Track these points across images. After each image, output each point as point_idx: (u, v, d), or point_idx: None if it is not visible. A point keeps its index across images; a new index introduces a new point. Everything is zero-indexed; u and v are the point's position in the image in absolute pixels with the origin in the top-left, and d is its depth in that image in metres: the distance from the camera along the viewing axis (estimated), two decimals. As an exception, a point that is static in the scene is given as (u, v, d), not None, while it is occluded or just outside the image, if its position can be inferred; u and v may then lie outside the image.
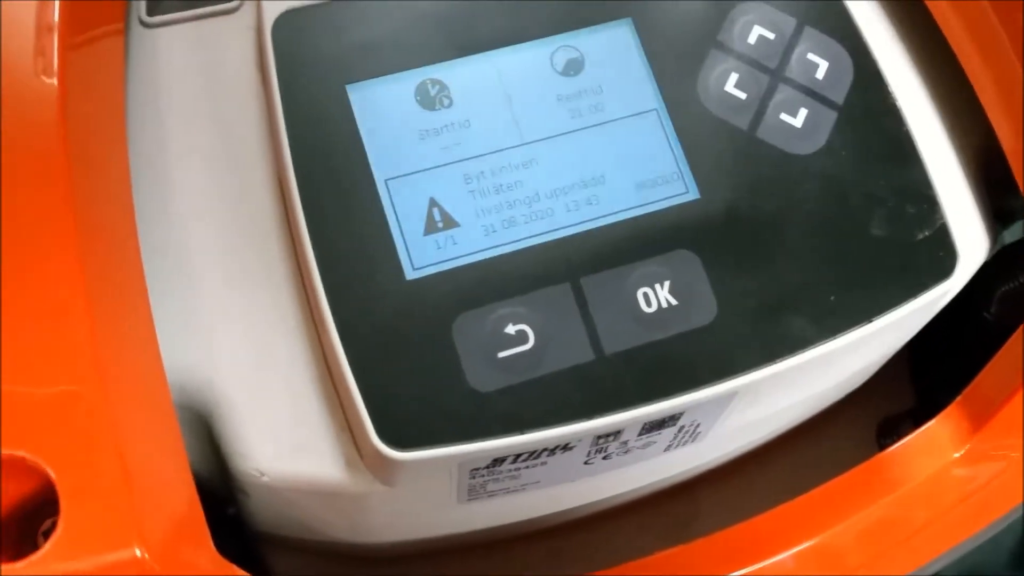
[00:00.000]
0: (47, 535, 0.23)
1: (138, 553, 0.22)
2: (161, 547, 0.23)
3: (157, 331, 0.27)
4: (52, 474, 0.22)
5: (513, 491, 0.30)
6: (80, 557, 0.22)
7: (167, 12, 0.31)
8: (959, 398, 0.35)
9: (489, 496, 0.30)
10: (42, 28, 0.27)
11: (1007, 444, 0.32)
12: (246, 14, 0.31)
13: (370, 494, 0.28)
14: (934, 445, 0.35)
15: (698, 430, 0.30)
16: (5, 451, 0.22)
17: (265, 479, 0.27)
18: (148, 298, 0.27)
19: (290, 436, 0.27)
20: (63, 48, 0.26)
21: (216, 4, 0.31)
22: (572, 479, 0.31)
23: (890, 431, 0.42)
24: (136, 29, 0.31)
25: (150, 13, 0.31)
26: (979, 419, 0.34)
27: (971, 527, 0.35)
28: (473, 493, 0.30)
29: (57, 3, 0.26)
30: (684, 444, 0.31)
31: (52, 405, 0.23)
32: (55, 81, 0.26)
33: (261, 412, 0.27)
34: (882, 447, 0.42)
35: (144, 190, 0.29)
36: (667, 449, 0.31)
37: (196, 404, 0.28)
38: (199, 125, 0.30)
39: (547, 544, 0.39)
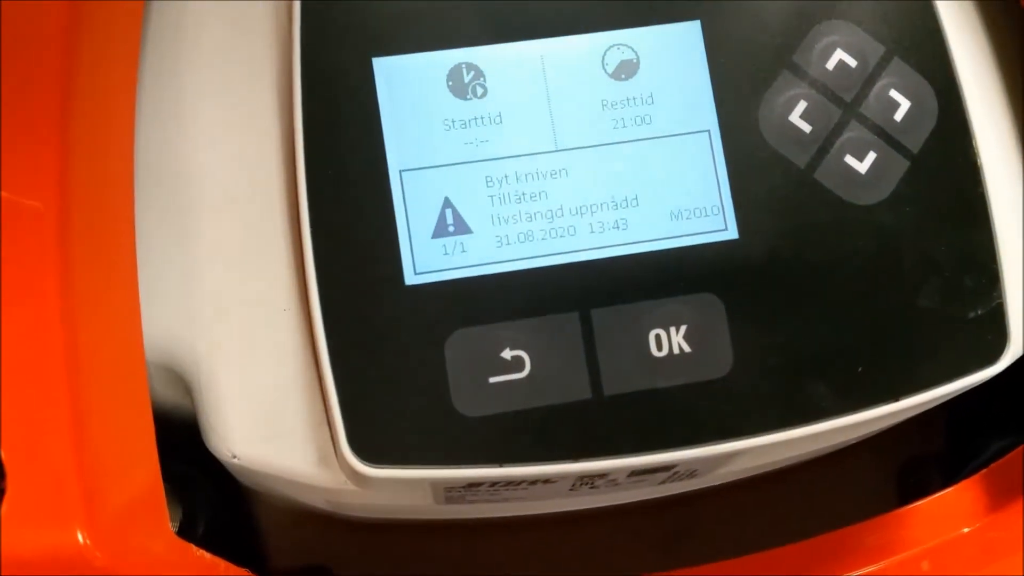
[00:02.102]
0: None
1: (80, 538, 0.22)
2: (109, 532, 0.22)
3: (151, 291, 0.26)
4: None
5: (494, 502, 0.29)
6: (22, 536, 0.22)
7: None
8: (985, 471, 0.32)
9: (469, 503, 0.29)
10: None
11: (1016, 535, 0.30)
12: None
13: (342, 491, 0.27)
14: (949, 512, 0.33)
15: (695, 474, 0.29)
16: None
17: (236, 461, 0.27)
18: (135, 262, 0.26)
19: (267, 423, 0.26)
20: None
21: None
22: (556, 499, 0.30)
23: (913, 472, 0.40)
24: None
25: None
26: (999, 499, 0.32)
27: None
28: (451, 501, 0.29)
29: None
30: (678, 480, 0.30)
31: (5, 375, 0.22)
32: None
33: (242, 394, 0.26)
34: (901, 487, 0.41)
35: (150, 134, 0.27)
36: (660, 483, 0.30)
37: (181, 371, 0.27)
38: (214, 78, 0.28)
39: (537, 535, 0.38)
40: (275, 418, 0.26)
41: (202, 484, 0.33)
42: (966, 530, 0.32)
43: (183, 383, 0.27)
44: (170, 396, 0.28)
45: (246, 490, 0.34)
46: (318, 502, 0.32)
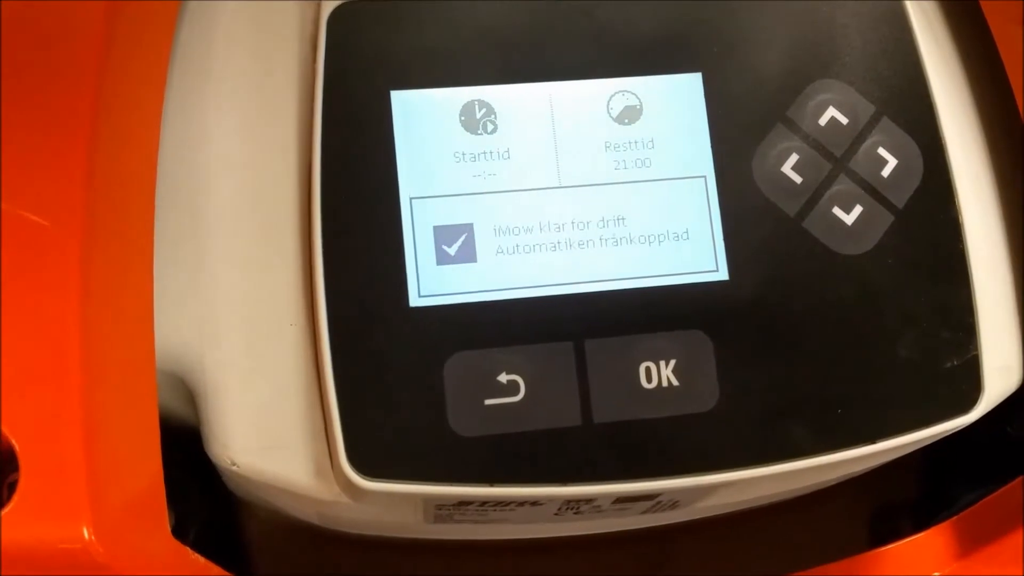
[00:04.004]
0: (12, 488, 0.23)
1: (86, 534, 0.23)
2: (112, 529, 0.23)
3: (163, 298, 0.27)
4: (14, 444, 0.22)
5: (480, 523, 0.30)
6: (30, 528, 0.22)
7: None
8: (956, 518, 0.33)
9: (456, 523, 0.30)
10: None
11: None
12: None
13: (336, 503, 0.28)
14: (919, 556, 0.34)
15: (676, 505, 0.30)
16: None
17: (236, 469, 0.27)
18: (151, 271, 0.27)
19: (268, 433, 0.27)
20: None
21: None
22: (541, 523, 0.31)
23: (885, 518, 0.41)
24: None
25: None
26: (969, 545, 0.33)
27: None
28: (439, 519, 0.30)
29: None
30: (661, 511, 0.31)
31: (22, 371, 0.23)
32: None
33: (245, 403, 0.27)
34: (873, 531, 0.42)
35: (171, 149, 0.28)
36: (643, 513, 0.31)
37: (186, 378, 0.28)
38: (237, 95, 0.29)
39: (519, 561, 0.39)
40: (276, 429, 0.27)
41: (195, 491, 0.34)
42: (936, 575, 0.33)
43: (186, 389, 0.28)
44: (171, 401, 0.29)
45: (237, 500, 0.35)
46: (310, 515, 0.32)
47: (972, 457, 0.37)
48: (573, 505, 0.28)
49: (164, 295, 0.27)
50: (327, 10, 0.28)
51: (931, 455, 0.43)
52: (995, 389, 0.29)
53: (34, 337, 0.23)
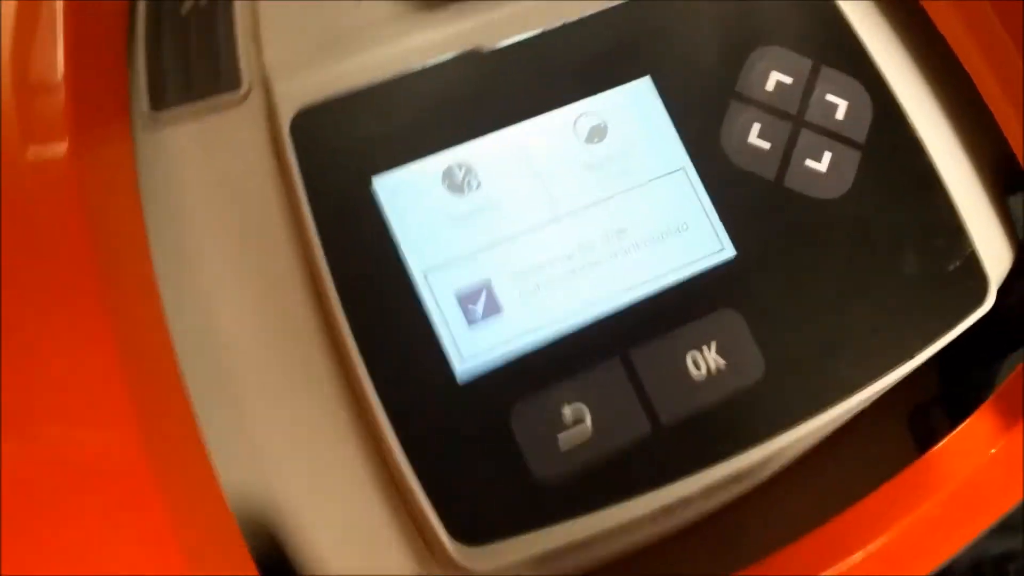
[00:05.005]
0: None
1: None
2: None
3: (217, 452, 0.27)
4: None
5: (579, 556, 0.31)
6: None
7: (171, 105, 0.30)
8: (990, 399, 0.35)
9: (555, 563, 0.31)
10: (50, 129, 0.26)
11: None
12: (253, 103, 0.31)
13: (444, 582, 0.28)
14: (970, 444, 0.36)
15: (750, 475, 0.31)
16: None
17: (338, 584, 0.28)
18: (200, 436, 0.27)
19: (359, 541, 0.28)
20: (74, 155, 0.25)
21: (222, 93, 0.30)
22: (636, 533, 0.31)
23: (921, 418, 0.43)
24: (141, 126, 0.30)
25: (154, 107, 0.30)
26: (1010, 418, 0.35)
27: (1002, 509, 0.36)
28: (541, 567, 0.30)
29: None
30: (737, 483, 0.32)
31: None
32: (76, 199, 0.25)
33: (326, 521, 0.27)
34: (915, 434, 0.43)
35: (171, 304, 0.28)
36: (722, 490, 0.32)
37: (258, 518, 0.28)
38: (220, 227, 0.29)
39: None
40: (365, 534, 0.28)
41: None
42: (992, 451, 0.35)
43: (262, 528, 0.28)
44: (255, 544, 0.29)
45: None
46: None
47: (984, 350, 0.39)
48: (668, 508, 0.29)
49: (214, 447, 0.27)
50: (285, 119, 0.28)
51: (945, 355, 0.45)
52: (996, 274, 0.31)
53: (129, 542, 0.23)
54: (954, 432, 0.35)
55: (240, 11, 0.32)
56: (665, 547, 0.40)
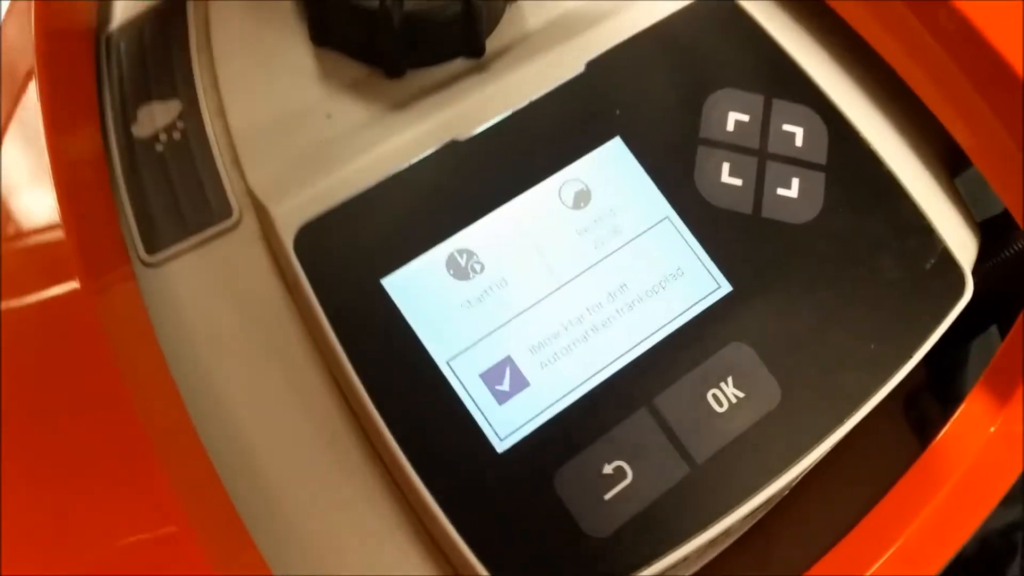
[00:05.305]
0: None
1: None
2: None
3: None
4: None
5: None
6: None
7: (166, 246, 0.31)
8: (980, 380, 0.37)
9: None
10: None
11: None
12: (247, 227, 0.31)
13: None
14: (970, 427, 0.37)
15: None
16: None
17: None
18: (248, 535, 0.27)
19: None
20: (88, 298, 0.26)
21: (214, 225, 0.31)
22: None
23: (914, 407, 0.45)
24: (140, 270, 0.31)
25: (149, 251, 0.31)
26: (1003, 396, 0.37)
27: (1008, 482, 0.38)
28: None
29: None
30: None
31: None
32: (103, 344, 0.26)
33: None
34: (911, 422, 0.45)
35: (203, 429, 0.29)
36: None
37: None
38: (237, 348, 0.30)
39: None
40: None
41: None
42: (992, 429, 0.37)
43: None
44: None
45: None
46: None
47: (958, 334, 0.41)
48: (713, 541, 0.30)
49: (268, 556, 0.27)
50: (288, 238, 0.29)
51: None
52: (967, 262, 0.33)
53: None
54: (953, 418, 0.37)
55: (215, 139, 0.33)
56: (707, 572, 0.41)
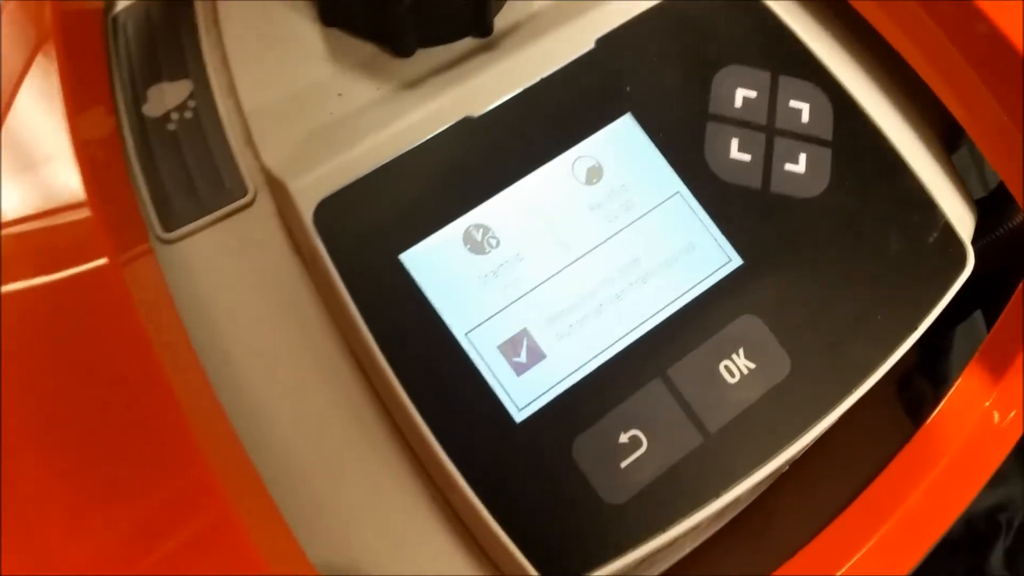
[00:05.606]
0: None
1: None
2: None
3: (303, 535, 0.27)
4: None
5: (644, 570, 0.32)
6: None
7: (182, 223, 0.31)
8: (975, 356, 0.38)
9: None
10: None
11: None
12: (262, 205, 0.32)
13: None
14: (967, 404, 0.38)
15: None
16: None
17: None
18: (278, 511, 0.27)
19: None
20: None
21: (230, 202, 0.32)
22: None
23: (908, 385, 0.46)
24: (157, 246, 0.31)
25: (166, 229, 0.31)
26: (998, 371, 0.37)
27: (1001, 456, 0.39)
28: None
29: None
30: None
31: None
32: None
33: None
34: (904, 403, 0.46)
35: (227, 401, 0.29)
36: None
37: None
38: (256, 322, 0.30)
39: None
40: None
41: None
42: (987, 404, 0.37)
43: None
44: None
45: None
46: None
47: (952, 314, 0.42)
48: (723, 510, 0.31)
49: (295, 528, 0.28)
50: (307, 213, 0.29)
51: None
52: (967, 236, 0.34)
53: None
54: (949, 393, 0.38)
55: (227, 118, 0.33)
56: (708, 548, 0.42)
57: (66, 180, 0.28)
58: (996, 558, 0.69)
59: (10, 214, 0.27)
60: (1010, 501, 0.70)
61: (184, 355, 0.28)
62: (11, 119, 0.30)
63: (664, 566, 0.37)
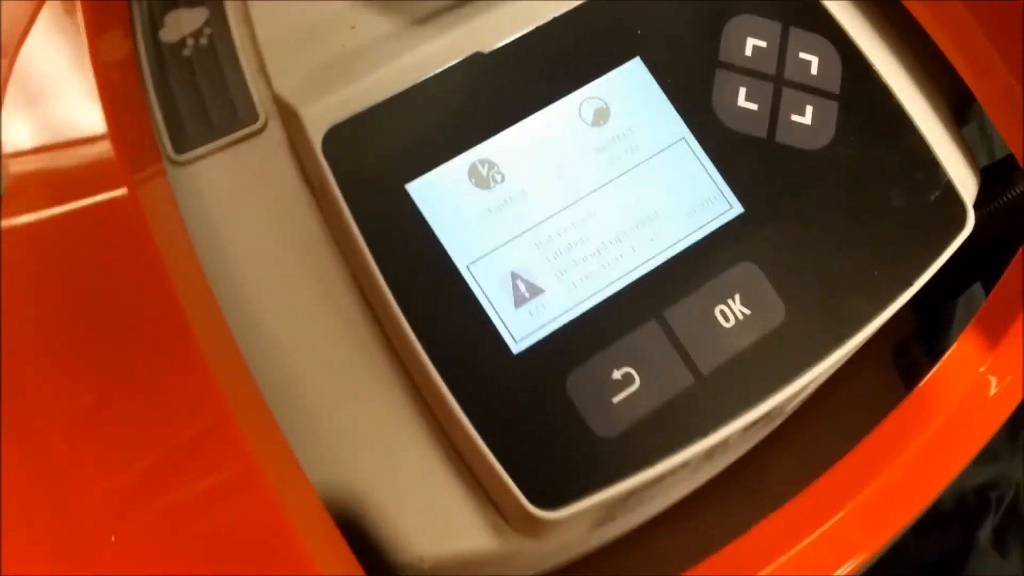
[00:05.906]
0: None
1: None
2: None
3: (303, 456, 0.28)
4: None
5: (635, 508, 0.33)
6: None
7: (193, 146, 0.32)
8: (973, 321, 0.39)
9: (613, 520, 0.33)
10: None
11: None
12: (273, 132, 0.32)
13: (520, 552, 0.30)
14: (962, 367, 0.39)
15: (783, 411, 0.34)
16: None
17: (426, 564, 0.29)
18: (281, 431, 0.28)
19: (440, 520, 0.29)
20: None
21: (242, 128, 0.32)
22: (681, 482, 0.34)
23: (903, 352, 0.46)
24: (168, 167, 0.32)
25: (177, 151, 0.32)
26: (994, 338, 0.38)
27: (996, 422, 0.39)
28: (602, 523, 0.32)
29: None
30: (766, 425, 0.35)
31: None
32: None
33: (407, 506, 0.29)
34: (899, 368, 0.47)
35: (234, 323, 0.30)
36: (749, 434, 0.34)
37: (342, 512, 0.29)
38: (264, 248, 0.31)
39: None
40: (443, 514, 0.30)
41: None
42: (981, 369, 0.38)
43: (351, 518, 0.30)
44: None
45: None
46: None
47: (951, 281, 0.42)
48: (710, 452, 0.31)
49: (297, 450, 0.29)
50: (316, 140, 0.30)
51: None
52: (968, 199, 0.34)
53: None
54: (947, 353, 0.38)
55: (241, 46, 0.33)
56: (698, 498, 0.42)
57: (85, 99, 0.28)
58: (984, 535, 0.70)
59: (27, 128, 0.28)
60: (1002, 479, 0.71)
61: (193, 272, 0.29)
62: (32, 38, 0.30)
63: (656, 508, 0.38)
